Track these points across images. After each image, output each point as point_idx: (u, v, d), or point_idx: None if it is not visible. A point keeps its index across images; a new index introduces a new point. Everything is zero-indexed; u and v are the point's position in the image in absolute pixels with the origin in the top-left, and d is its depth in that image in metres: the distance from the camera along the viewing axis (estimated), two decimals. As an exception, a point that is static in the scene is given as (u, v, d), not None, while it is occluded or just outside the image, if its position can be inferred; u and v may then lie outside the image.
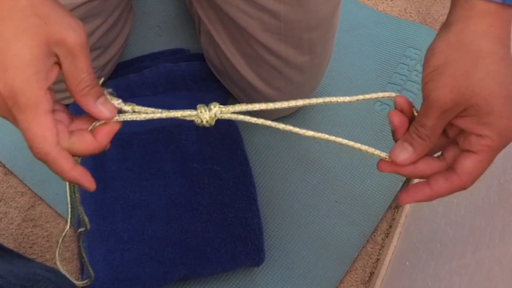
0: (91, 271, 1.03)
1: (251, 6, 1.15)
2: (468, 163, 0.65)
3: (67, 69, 0.62)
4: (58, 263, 1.26)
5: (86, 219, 0.91)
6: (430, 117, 0.65)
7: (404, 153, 0.70)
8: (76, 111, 1.38)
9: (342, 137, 0.73)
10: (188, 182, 1.31)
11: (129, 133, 1.35)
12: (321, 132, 0.74)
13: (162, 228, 1.26)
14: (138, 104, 0.75)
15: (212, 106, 0.74)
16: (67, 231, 1.31)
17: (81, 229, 0.93)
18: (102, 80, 0.70)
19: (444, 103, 0.63)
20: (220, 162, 1.34)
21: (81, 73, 0.63)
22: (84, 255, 1.04)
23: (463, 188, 0.67)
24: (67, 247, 1.32)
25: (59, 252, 1.29)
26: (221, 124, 1.37)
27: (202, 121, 0.72)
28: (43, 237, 1.33)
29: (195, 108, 0.71)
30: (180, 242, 1.25)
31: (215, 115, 0.73)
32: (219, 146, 1.36)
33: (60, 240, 1.28)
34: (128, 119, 0.73)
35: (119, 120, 0.72)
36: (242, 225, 1.28)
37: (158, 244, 1.25)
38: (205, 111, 0.73)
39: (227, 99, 1.47)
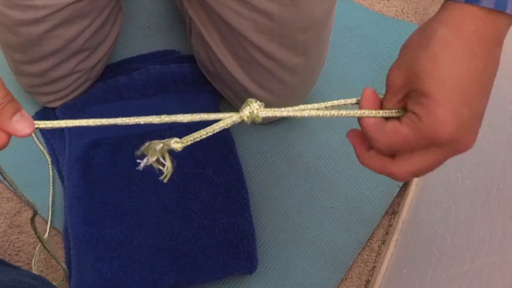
0: (63, 265, 1.03)
1: (243, 6, 1.15)
2: (389, 125, 0.66)
3: None
4: (34, 269, 1.27)
5: (33, 204, 0.90)
6: (386, 96, 0.69)
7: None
8: (63, 114, 1.39)
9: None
10: (179, 188, 1.31)
11: (118, 137, 1.35)
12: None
13: (152, 235, 1.26)
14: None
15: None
16: (46, 237, 1.31)
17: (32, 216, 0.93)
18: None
19: (394, 83, 0.66)
20: (212, 167, 1.34)
21: None
22: (43, 244, 1.04)
23: (375, 145, 0.69)
24: (54, 254, 1.31)
25: (35, 260, 1.29)
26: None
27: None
28: (29, 244, 1.33)
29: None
30: (171, 249, 1.25)
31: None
32: (211, 151, 1.36)
33: (38, 248, 1.28)
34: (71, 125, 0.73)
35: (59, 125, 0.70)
36: (234, 232, 1.27)
37: (148, 251, 1.24)
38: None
39: (218, 102, 1.47)
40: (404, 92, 0.66)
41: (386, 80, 0.68)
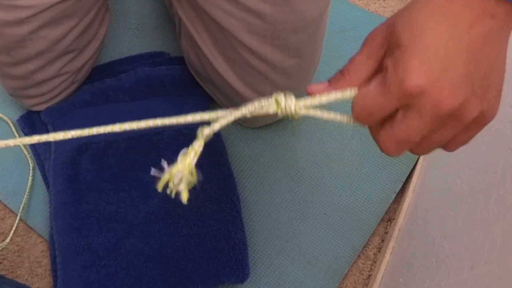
0: None
1: (234, 6, 1.14)
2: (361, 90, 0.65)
3: None
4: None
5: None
6: (359, 52, 0.67)
7: (319, 85, 0.71)
8: (49, 118, 1.38)
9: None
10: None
11: (105, 141, 1.34)
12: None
13: (141, 243, 1.25)
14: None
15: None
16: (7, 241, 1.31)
17: None
18: None
19: (373, 37, 0.65)
20: (202, 173, 1.33)
21: None
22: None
23: (353, 117, 0.67)
24: (40, 262, 1.31)
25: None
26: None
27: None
28: (14, 252, 1.32)
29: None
30: (160, 258, 1.24)
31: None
32: (201, 156, 1.35)
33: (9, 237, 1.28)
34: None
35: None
36: (225, 239, 1.27)
37: (136, 260, 1.24)
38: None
39: (209, 105, 1.47)
40: (383, 48, 0.64)
41: (366, 38, 0.67)
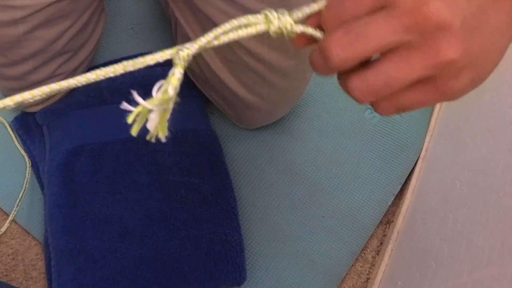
0: None
1: (231, 6, 1.14)
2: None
3: None
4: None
5: None
6: None
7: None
8: (44, 119, 1.38)
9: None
10: (164, 196, 1.30)
11: (100, 143, 1.34)
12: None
13: (136, 245, 1.25)
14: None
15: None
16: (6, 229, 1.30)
17: None
18: None
19: None
20: (199, 174, 1.34)
21: None
22: None
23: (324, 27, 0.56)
24: (34, 265, 1.30)
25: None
26: (200, 133, 1.36)
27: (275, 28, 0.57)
28: (8, 255, 1.32)
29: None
30: (155, 260, 1.24)
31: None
32: (197, 157, 1.35)
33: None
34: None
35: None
36: (221, 242, 1.27)
37: (132, 263, 1.23)
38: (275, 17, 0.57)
39: (205, 106, 1.46)
40: None
41: None
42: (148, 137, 0.55)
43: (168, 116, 0.55)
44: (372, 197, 1.41)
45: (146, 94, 1.48)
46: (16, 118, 1.43)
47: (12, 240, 1.33)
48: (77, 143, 1.33)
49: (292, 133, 1.47)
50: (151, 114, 0.54)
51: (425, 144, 1.45)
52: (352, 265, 1.36)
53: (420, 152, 1.45)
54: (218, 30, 0.55)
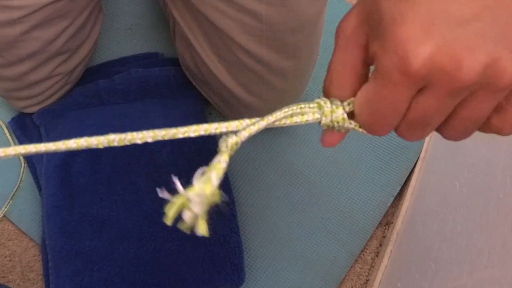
0: None
1: (230, 6, 1.14)
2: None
3: None
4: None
5: None
6: (334, 51, 0.56)
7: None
8: (41, 120, 1.37)
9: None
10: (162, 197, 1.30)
11: (98, 144, 1.34)
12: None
13: (134, 247, 1.25)
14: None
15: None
16: None
17: None
18: None
19: (345, 27, 0.53)
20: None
21: None
22: None
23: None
24: (32, 267, 1.30)
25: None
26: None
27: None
28: (5, 256, 1.31)
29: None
30: (153, 262, 1.24)
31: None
32: (195, 159, 1.35)
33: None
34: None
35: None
36: (220, 243, 1.27)
37: (130, 264, 1.23)
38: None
39: (204, 107, 1.46)
40: (361, 33, 0.51)
41: (336, 30, 0.55)
42: (182, 227, 0.50)
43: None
44: (371, 198, 1.41)
45: (143, 94, 1.48)
46: (13, 119, 1.43)
47: (9, 242, 1.33)
48: (75, 144, 1.33)
49: (291, 134, 1.47)
50: (191, 205, 0.49)
51: (425, 145, 1.45)
52: (351, 267, 1.36)
53: (420, 153, 1.45)
54: (269, 118, 0.51)
